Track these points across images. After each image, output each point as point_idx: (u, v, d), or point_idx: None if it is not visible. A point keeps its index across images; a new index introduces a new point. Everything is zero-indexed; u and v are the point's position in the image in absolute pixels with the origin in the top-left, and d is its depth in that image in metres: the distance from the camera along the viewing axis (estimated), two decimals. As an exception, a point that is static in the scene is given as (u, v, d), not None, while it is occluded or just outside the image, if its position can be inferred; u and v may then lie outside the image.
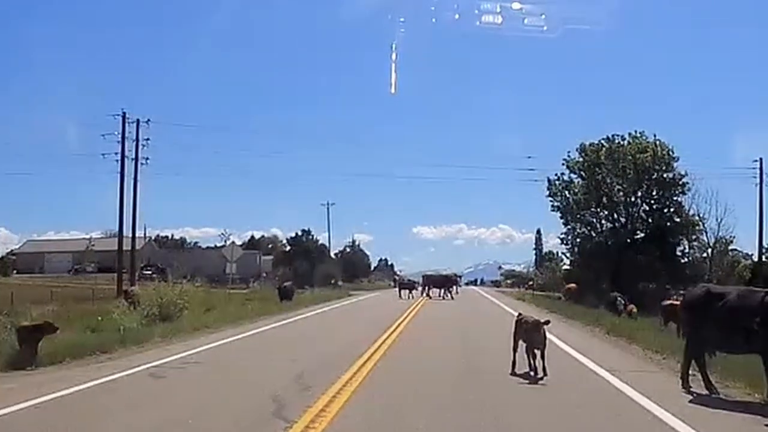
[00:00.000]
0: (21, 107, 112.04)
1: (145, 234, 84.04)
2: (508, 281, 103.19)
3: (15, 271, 71.71)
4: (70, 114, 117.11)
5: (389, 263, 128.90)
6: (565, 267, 70.37)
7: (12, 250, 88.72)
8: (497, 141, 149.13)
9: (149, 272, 67.68)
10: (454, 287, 48.88)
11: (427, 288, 48.27)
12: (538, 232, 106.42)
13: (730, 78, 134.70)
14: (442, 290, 46.26)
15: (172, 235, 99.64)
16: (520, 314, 12.63)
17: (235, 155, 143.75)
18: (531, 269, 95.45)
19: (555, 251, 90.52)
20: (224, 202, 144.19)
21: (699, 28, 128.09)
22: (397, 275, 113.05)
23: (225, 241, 77.86)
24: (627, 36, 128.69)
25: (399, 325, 21.74)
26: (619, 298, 26.40)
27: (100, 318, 23.19)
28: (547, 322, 11.62)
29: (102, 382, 10.92)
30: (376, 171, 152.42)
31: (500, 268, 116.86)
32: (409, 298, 43.38)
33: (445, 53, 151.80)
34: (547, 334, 11.51)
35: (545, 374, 10.83)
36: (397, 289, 50.06)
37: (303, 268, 75.56)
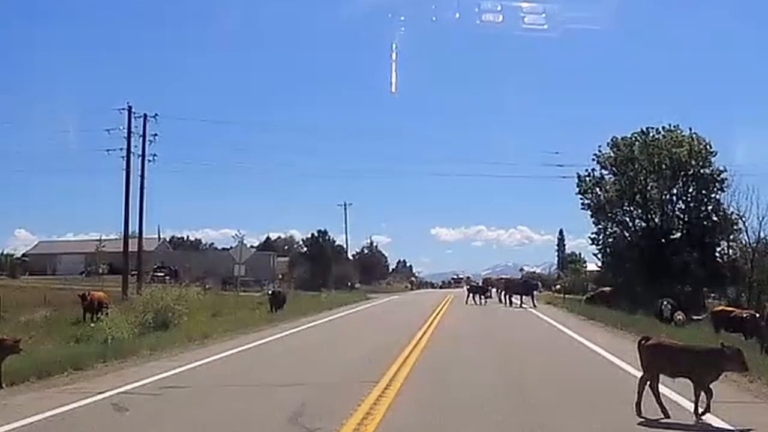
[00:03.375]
0: (41, 108, 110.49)
1: (159, 235, 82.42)
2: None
3: (27, 273, 70.09)
4: (91, 114, 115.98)
5: (407, 265, 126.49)
6: (589, 269, 67.71)
7: (25, 252, 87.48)
8: (515, 140, 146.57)
9: (162, 274, 65.78)
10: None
11: (506, 294, 38.65)
12: (561, 232, 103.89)
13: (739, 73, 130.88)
14: (528, 297, 37.31)
15: (188, 236, 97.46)
16: (646, 338, 9.39)
17: (255, 156, 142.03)
18: (553, 270, 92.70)
19: (578, 252, 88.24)
20: (244, 203, 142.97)
21: (705, 25, 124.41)
22: (415, 277, 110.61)
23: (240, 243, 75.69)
24: (625, 35, 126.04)
25: (422, 337, 18.94)
26: (665, 304, 23.50)
27: (92, 324, 21.21)
28: (739, 352, 8.58)
29: (50, 415, 8.66)
30: (395, 171, 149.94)
31: (522, 269, 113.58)
32: (482, 303, 37.39)
33: (461, 51, 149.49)
34: (604, 352, 9.10)
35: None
36: (465, 293, 41.83)
37: (319, 270, 73.20)
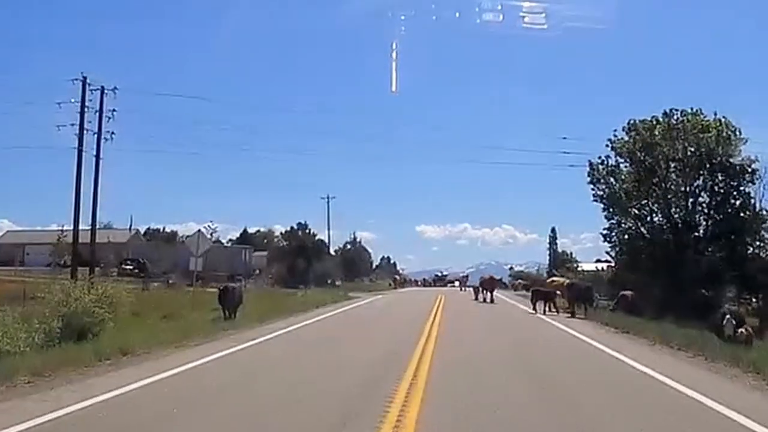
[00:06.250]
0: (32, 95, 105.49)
1: (131, 226, 77.45)
2: (519, 282, 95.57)
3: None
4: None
5: (392, 261, 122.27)
6: (586, 269, 63.33)
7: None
8: (512, 138, 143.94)
9: (129, 267, 60.80)
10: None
11: (575, 301, 30.60)
12: (553, 230, 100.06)
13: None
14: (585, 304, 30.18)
15: (163, 228, 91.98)
16: None
17: (243, 151, 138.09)
18: (543, 270, 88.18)
19: (569, 252, 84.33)
20: (230, 197, 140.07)
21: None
22: (399, 274, 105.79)
23: (211, 235, 70.57)
24: (625, 33, 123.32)
25: (420, 361, 13.59)
26: (728, 318, 18.46)
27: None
28: None
29: None
30: (381, 169, 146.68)
31: (511, 268, 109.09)
32: (545, 312, 29.67)
33: (449, 50, 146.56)
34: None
35: None
36: (531, 299, 32.71)
37: (299, 266, 68.17)
